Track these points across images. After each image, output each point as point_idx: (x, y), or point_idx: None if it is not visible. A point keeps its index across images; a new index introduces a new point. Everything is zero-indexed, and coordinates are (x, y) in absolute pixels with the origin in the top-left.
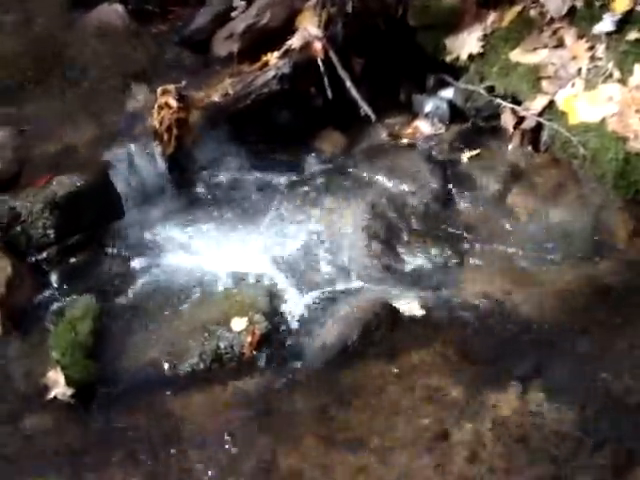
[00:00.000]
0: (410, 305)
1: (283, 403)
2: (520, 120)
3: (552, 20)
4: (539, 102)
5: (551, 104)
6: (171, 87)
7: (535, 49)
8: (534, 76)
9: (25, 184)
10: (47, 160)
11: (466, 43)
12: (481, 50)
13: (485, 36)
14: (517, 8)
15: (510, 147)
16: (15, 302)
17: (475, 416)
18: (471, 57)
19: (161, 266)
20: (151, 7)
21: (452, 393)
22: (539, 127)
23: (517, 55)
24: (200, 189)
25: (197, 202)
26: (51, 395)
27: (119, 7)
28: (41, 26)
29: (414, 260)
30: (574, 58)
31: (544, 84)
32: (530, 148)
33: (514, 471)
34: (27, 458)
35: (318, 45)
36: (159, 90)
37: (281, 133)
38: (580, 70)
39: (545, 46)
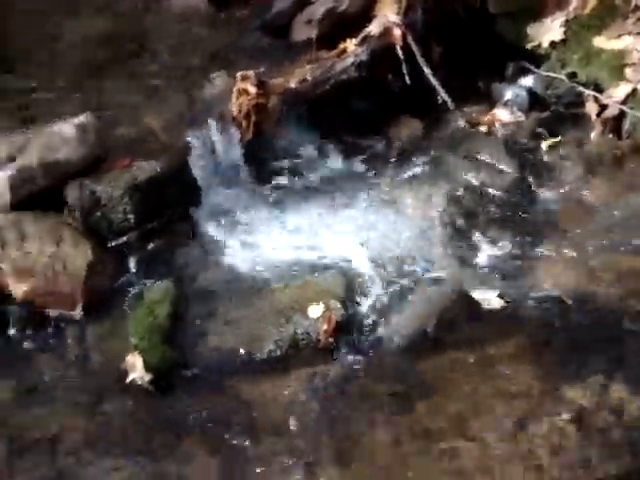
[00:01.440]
0: (488, 295)
1: (359, 390)
2: (602, 108)
3: (637, 7)
4: (622, 90)
5: (634, 92)
6: (250, 73)
7: (619, 36)
8: (617, 63)
9: (106, 168)
10: (127, 144)
11: (548, 30)
12: (563, 37)
13: (567, 22)
14: None
15: (592, 135)
16: (95, 286)
17: (554, 408)
18: (553, 44)
19: (238, 252)
20: None
21: (531, 385)
22: (622, 115)
23: (600, 42)
24: (278, 175)
25: (274, 188)
26: (129, 379)
27: None
28: (123, 8)
29: (493, 250)
30: None
31: (627, 71)
32: (612, 136)
33: (594, 465)
34: (105, 441)
35: (397, 32)
36: (238, 75)
37: (359, 120)
38: None
39: (629, 33)
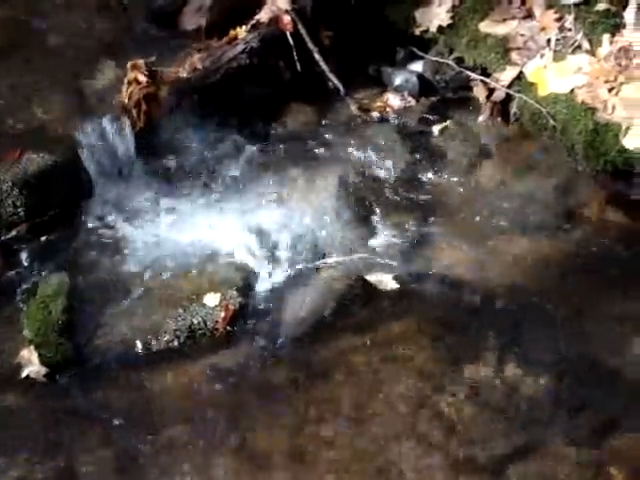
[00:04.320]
0: (383, 278)
1: (257, 378)
2: (489, 92)
3: None
4: (508, 74)
5: (520, 75)
6: (140, 62)
7: (504, 20)
8: (503, 47)
9: None
10: (16, 136)
11: (435, 15)
12: (450, 22)
13: (454, 8)
14: None
15: (480, 119)
16: None
17: (452, 387)
18: (440, 29)
19: (132, 243)
20: None
21: (428, 365)
22: (508, 99)
23: (486, 26)
24: (169, 165)
25: (166, 178)
26: (24, 374)
27: None
28: None
29: (385, 233)
30: (543, 29)
31: (513, 55)
32: (500, 120)
33: (492, 440)
34: (1, 436)
35: (287, 18)
36: (128, 65)
37: (250, 107)
38: (549, 41)
39: (514, 17)
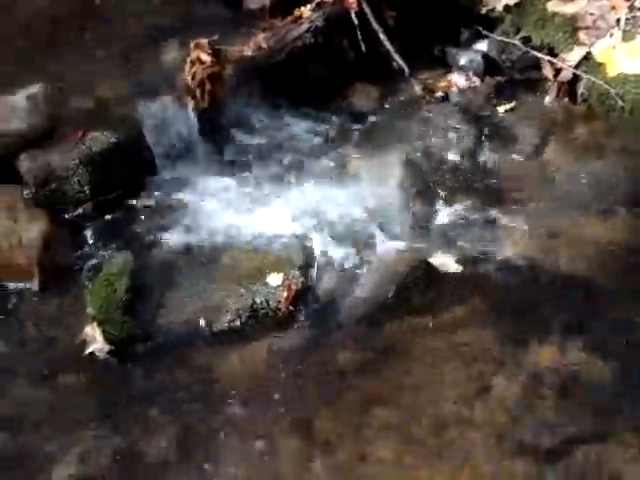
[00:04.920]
0: (446, 261)
1: (319, 359)
2: (557, 72)
3: None
4: (576, 53)
5: (588, 55)
6: (204, 41)
7: None
8: (571, 27)
9: (59, 140)
10: (80, 116)
11: None
12: (517, 0)
13: None
14: None
15: (546, 100)
16: (51, 258)
17: (515, 371)
18: (507, 8)
19: (196, 222)
20: None
21: (491, 348)
22: (576, 79)
23: (554, 5)
24: (233, 145)
25: (230, 158)
26: (88, 351)
27: None
28: None
29: (449, 215)
30: (612, 8)
31: (581, 35)
32: (567, 100)
33: (556, 425)
34: (66, 415)
35: None
36: (192, 44)
37: (314, 87)
38: (618, 20)
39: None
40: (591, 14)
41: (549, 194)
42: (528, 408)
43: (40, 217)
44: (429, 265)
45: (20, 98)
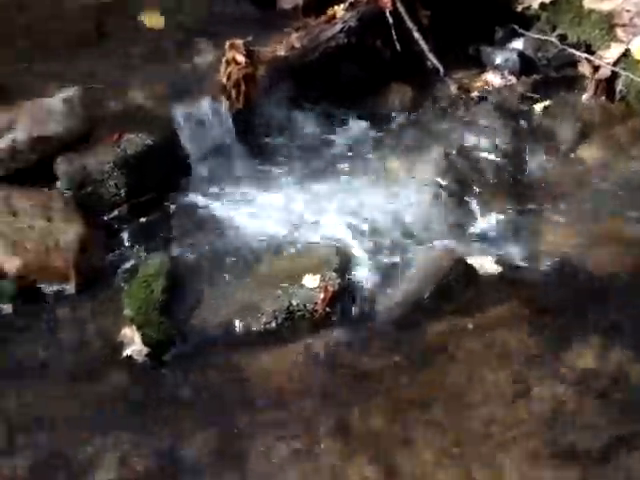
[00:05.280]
0: (484, 261)
1: (356, 361)
2: (594, 70)
3: None
4: (613, 51)
5: (626, 53)
6: (238, 42)
7: None
8: (608, 24)
9: (95, 142)
10: (116, 117)
11: None
12: None
13: None
14: None
15: (584, 98)
16: (88, 260)
17: (555, 372)
18: (543, 6)
19: (231, 223)
20: None
21: (531, 349)
22: (614, 77)
23: (590, 2)
24: (268, 144)
25: (265, 159)
26: (126, 353)
27: None
28: None
29: (487, 215)
30: None
31: (618, 32)
32: (604, 98)
33: (596, 428)
34: (103, 417)
35: None
36: (226, 45)
37: (349, 87)
38: None
39: None
40: (628, 11)
41: (587, 193)
42: (569, 410)
43: (76, 219)
44: (467, 266)
45: (56, 101)
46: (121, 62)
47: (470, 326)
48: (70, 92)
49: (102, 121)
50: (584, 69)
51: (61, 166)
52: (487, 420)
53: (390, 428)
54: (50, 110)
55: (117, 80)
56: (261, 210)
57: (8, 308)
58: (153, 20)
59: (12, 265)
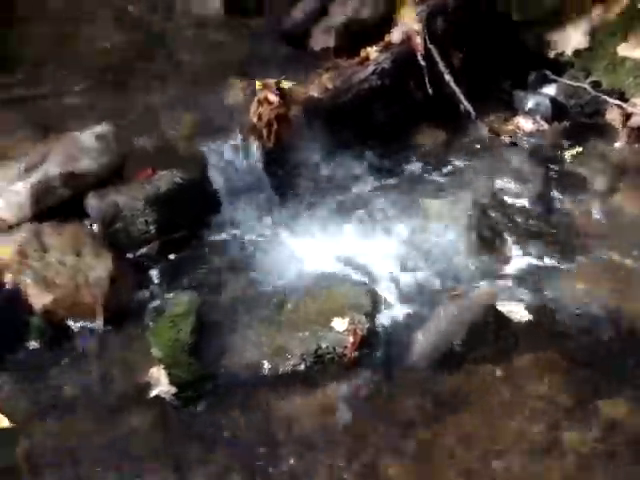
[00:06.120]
0: (515, 308)
1: (385, 405)
2: (627, 117)
3: None
4: None
5: None
6: (271, 81)
7: None
8: None
9: (126, 179)
10: (147, 154)
11: (571, 38)
12: (587, 45)
13: (592, 30)
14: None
15: (616, 145)
16: (117, 297)
17: (585, 421)
18: (577, 52)
19: (259, 262)
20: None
21: (561, 398)
22: None
23: (624, 50)
24: (298, 185)
25: (295, 198)
26: (154, 393)
27: None
28: (140, 15)
29: (518, 261)
30: None
31: None
32: (638, 146)
33: (627, 478)
34: (129, 456)
35: (418, 39)
36: (258, 84)
37: (380, 128)
38: None
39: None
40: None
41: (619, 241)
42: (601, 462)
43: (106, 256)
44: (498, 312)
45: (89, 137)
46: (153, 97)
47: (500, 373)
48: (103, 128)
49: (134, 157)
50: (617, 116)
51: (92, 202)
52: (517, 470)
53: (419, 474)
54: (83, 146)
55: (149, 116)
56: (291, 251)
57: (37, 344)
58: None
59: (42, 301)
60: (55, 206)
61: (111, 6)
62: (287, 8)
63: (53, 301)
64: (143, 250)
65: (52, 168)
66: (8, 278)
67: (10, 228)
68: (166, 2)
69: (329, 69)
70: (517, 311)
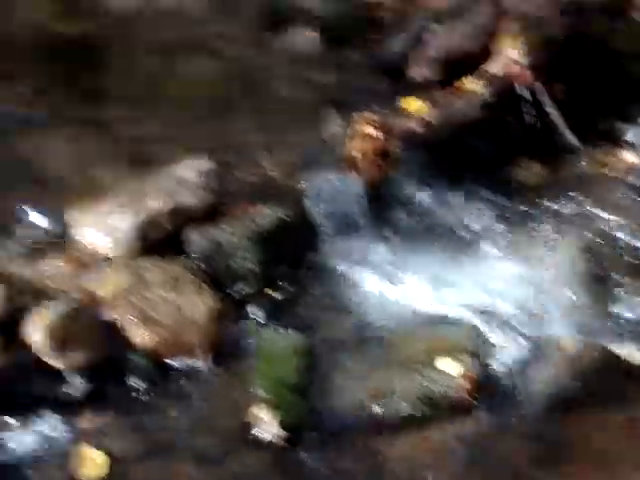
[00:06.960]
0: (631, 351)
1: (498, 453)
2: None
3: None
4: None
5: None
6: (371, 115)
7: None
8: None
9: (226, 214)
10: (246, 189)
11: None
12: None
13: None
14: None
15: None
16: (219, 335)
17: None
18: None
19: (362, 300)
20: (345, 33)
21: None
22: None
23: None
24: (400, 221)
25: (397, 235)
26: (258, 434)
27: (312, 32)
28: (234, 50)
29: (632, 301)
30: None
31: None
32: None
33: None
34: None
35: (521, 71)
36: (360, 118)
37: (480, 163)
38: None
39: None
40: None
41: None
42: None
43: (207, 293)
44: (612, 355)
45: (188, 171)
46: (250, 131)
47: (616, 422)
48: (202, 162)
49: (232, 192)
50: None
51: (192, 237)
52: None
53: None
54: (181, 180)
55: (247, 149)
56: (394, 289)
57: (139, 382)
58: (413, 106)
59: (141, 338)
60: (156, 241)
61: (206, 43)
62: (385, 40)
63: (153, 338)
64: (244, 287)
65: (154, 203)
66: (109, 314)
67: (109, 262)
68: (261, 38)
69: (428, 101)
70: (635, 354)
